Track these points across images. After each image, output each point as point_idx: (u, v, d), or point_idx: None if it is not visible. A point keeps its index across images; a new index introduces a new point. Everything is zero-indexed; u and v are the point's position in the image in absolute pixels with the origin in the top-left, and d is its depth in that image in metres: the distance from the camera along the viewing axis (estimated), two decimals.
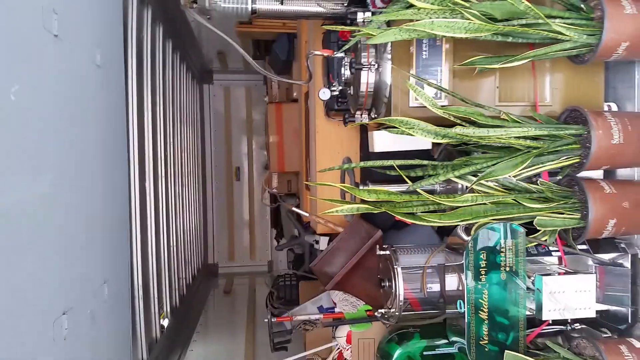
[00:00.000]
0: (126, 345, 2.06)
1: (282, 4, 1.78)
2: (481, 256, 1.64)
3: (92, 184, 1.70)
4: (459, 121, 1.64)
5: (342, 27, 1.70)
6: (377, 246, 2.02)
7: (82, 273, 1.58)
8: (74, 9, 1.53)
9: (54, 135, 1.40)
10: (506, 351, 1.58)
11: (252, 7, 1.76)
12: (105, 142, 1.85)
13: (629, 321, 1.78)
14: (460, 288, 1.79)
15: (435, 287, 1.85)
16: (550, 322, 1.72)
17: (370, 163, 1.79)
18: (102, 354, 1.71)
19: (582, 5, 1.58)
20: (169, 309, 3.24)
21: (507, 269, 1.65)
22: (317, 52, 1.85)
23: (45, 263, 1.32)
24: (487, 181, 1.68)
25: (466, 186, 1.72)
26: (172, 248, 3.48)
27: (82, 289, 1.57)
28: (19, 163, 1.20)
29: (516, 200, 1.68)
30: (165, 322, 3.07)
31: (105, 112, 1.86)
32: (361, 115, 1.92)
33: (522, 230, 1.65)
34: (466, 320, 1.65)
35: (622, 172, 1.87)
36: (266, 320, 2.18)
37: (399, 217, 1.72)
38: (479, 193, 1.69)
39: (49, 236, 1.35)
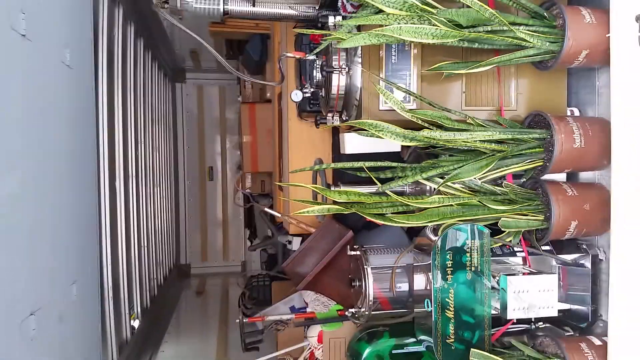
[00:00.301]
0: (96, 346, 2.04)
1: (254, 5, 1.79)
2: (448, 256, 1.68)
3: (60, 184, 1.68)
4: (426, 124, 1.67)
5: (313, 30, 1.72)
6: (348, 246, 2.05)
7: (50, 273, 1.56)
8: (42, 9, 1.51)
9: (22, 134, 1.38)
10: (472, 349, 1.62)
11: (224, 8, 1.77)
12: (74, 141, 1.83)
13: (589, 319, 1.84)
14: (428, 287, 1.83)
15: (404, 287, 1.89)
16: (515, 321, 1.77)
17: (340, 164, 1.81)
18: (71, 355, 1.70)
19: (545, 14, 1.64)
20: (139, 310, 3.21)
21: (473, 268, 1.69)
22: (289, 55, 1.86)
23: (12, 262, 1.31)
24: (453, 183, 1.72)
25: (434, 188, 1.75)
26: (142, 248, 3.45)
27: (50, 289, 1.55)
28: None
29: (481, 202, 1.72)
30: (136, 323, 3.04)
31: (74, 112, 1.84)
32: (332, 117, 1.94)
33: (487, 231, 1.69)
34: (433, 319, 1.69)
35: (584, 176, 1.93)
36: (238, 320, 2.19)
37: (368, 218, 1.75)
38: (445, 195, 1.73)
39: (16, 235, 1.33)
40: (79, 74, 1.88)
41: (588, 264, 1.84)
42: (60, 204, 1.68)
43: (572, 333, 1.89)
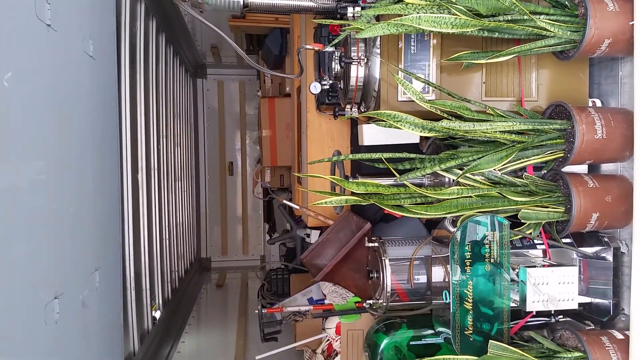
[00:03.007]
0: (118, 334, 2.08)
1: None
2: (466, 248, 1.67)
3: (82, 174, 1.72)
4: (445, 115, 1.67)
5: (332, 20, 1.72)
6: (366, 238, 2.05)
7: (72, 259, 1.60)
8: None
9: (45, 122, 1.42)
10: (490, 341, 1.62)
11: (244, 1, 1.78)
12: (96, 132, 1.87)
13: (611, 313, 1.82)
14: (447, 279, 1.82)
15: (422, 279, 1.89)
16: (535, 314, 1.76)
17: (359, 156, 1.82)
18: (93, 341, 1.73)
19: (567, 2, 1.62)
20: (161, 302, 3.26)
21: (492, 260, 1.68)
22: (308, 46, 1.87)
23: (37, 246, 1.35)
24: (473, 174, 1.71)
25: (453, 179, 1.75)
26: (164, 241, 3.50)
27: (73, 275, 1.59)
28: (10, 148, 1.22)
29: (501, 194, 1.71)
30: (157, 314, 3.09)
31: (97, 102, 1.88)
32: (351, 109, 1.95)
33: (507, 223, 1.68)
34: (451, 311, 1.68)
35: (607, 167, 1.90)
36: (257, 311, 2.22)
37: (387, 210, 1.75)
38: (464, 186, 1.72)
39: (38, 221, 1.37)
40: (101, 65, 1.91)
41: (610, 257, 1.81)
42: (82, 193, 1.72)
43: (593, 327, 1.87)
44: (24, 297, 1.27)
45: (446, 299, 1.73)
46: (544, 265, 1.72)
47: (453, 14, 1.50)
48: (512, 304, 1.70)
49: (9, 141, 1.21)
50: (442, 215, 1.74)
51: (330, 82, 1.96)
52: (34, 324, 1.30)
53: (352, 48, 1.79)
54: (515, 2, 1.49)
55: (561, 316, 1.91)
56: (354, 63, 1.79)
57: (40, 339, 1.34)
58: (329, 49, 1.85)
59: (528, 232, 1.79)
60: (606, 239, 1.85)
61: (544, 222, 1.75)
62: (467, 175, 1.69)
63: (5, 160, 1.20)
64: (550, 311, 1.83)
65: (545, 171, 1.79)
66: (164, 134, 3.56)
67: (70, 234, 1.59)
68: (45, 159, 1.40)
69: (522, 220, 1.73)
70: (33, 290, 1.31)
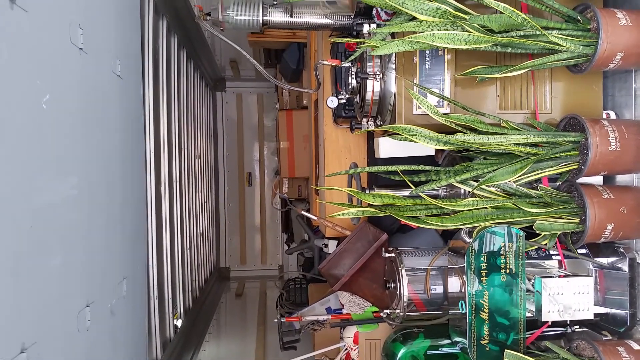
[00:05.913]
0: (143, 342, 2.14)
1: (291, 16, 1.86)
2: (482, 259, 1.70)
3: (112, 187, 1.79)
4: (460, 128, 1.70)
5: (348, 39, 1.77)
6: (383, 249, 2.09)
7: (103, 269, 1.66)
8: (97, 23, 1.63)
9: (78, 141, 1.49)
10: (506, 350, 1.63)
11: (263, 19, 1.85)
12: (124, 148, 1.94)
13: (628, 324, 1.82)
14: (463, 289, 1.85)
15: (439, 289, 1.92)
16: (551, 324, 1.77)
17: (375, 168, 1.86)
18: (120, 348, 1.79)
19: (579, 17, 1.65)
20: (182, 310, 3.32)
21: (508, 271, 1.70)
22: (325, 62, 1.92)
23: (70, 258, 1.41)
24: (488, 186, 1.74)
25: (468, 191, 1.78)
26: (185, 251, 3.57)
27: (103, 284, 1.65)
28: (49, 166, 1.29)
29: (516, 205, 1.73)
30: (179, 323, 3.15)
31: (124, 119, 1.96)
32: (367, 122, 1.99)
33: (522, 233, 1.70)
34: (468, 321, 1.71)
35: (622, 178, 1.91)
36: (276, 320, 2.26)
37: (404, 221, 1.79)
38: (480, 198, 1.75)
39: (72, 234, 1.44)
40: (128, 83, 1.99)
41: (625, 268, 1.82)
42: (111, 206, 1.79)
43: (610, 337, 1.87)
44: (59, 305, 1.33)
45: (463, 309, 1.75)
46: (559, 276, 1.73)
47: (466, 31, 1.54)
48: (528, 314, 1.72)
49: (47, 159, 1.28)
50: (458, 227, 1.77)
51: (347, 96, 2.00)
52: (68, 331, 1.36)
53: (368, 64, 1.84)
54: (527, 18, 1.53)
55: (577, 326, 1.91)
56: (370, 78, 1.83)
57: (74, 345, 1.40)
58: (346, 64, 1.90)
59: (543, 242, 1.81)
60: (622, 250, 1.86)
61: (559, 233, 1.77)
62: (483, 187, 1.72)
63: (45, 177, 1.27)
64: (567, 321, 1.84)
65: (560, 183, 1.81)
66: (185, 146, 3.64)
67: (101, 245, 1.66)
68: (78, 175, 1.47)
69: (538, 231, 1.76)
70: (67, 299, 1.37)
